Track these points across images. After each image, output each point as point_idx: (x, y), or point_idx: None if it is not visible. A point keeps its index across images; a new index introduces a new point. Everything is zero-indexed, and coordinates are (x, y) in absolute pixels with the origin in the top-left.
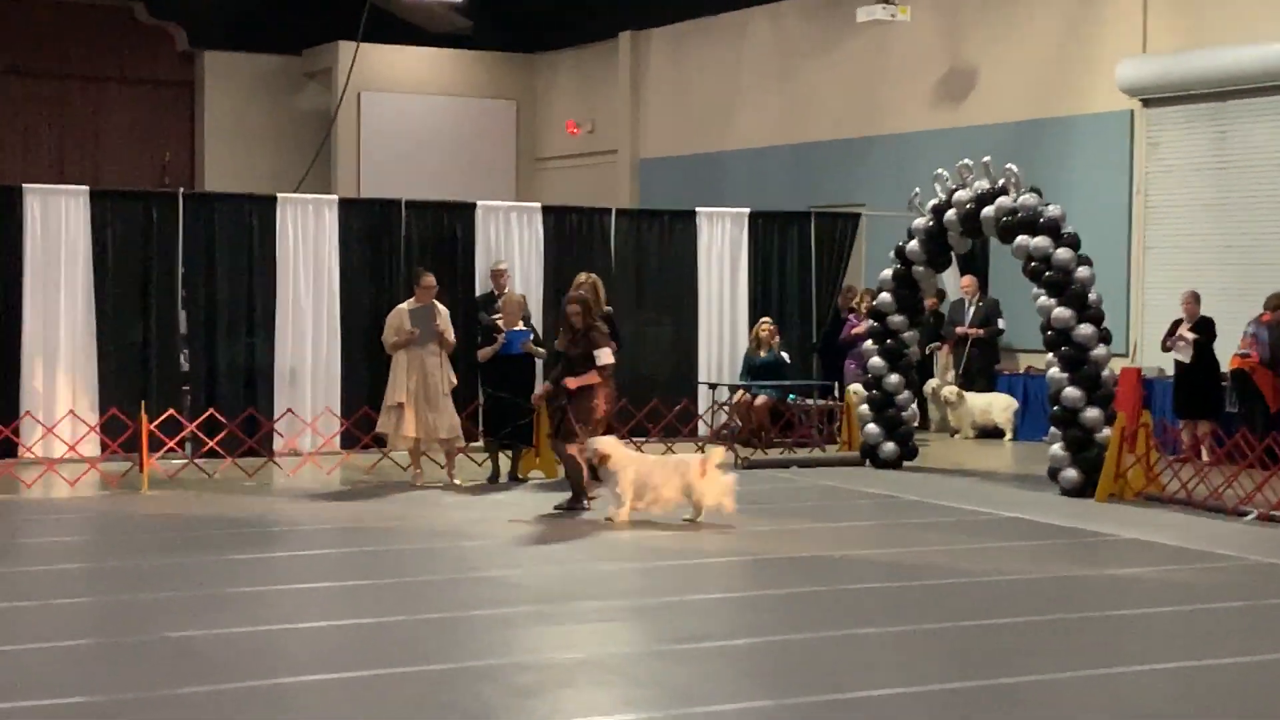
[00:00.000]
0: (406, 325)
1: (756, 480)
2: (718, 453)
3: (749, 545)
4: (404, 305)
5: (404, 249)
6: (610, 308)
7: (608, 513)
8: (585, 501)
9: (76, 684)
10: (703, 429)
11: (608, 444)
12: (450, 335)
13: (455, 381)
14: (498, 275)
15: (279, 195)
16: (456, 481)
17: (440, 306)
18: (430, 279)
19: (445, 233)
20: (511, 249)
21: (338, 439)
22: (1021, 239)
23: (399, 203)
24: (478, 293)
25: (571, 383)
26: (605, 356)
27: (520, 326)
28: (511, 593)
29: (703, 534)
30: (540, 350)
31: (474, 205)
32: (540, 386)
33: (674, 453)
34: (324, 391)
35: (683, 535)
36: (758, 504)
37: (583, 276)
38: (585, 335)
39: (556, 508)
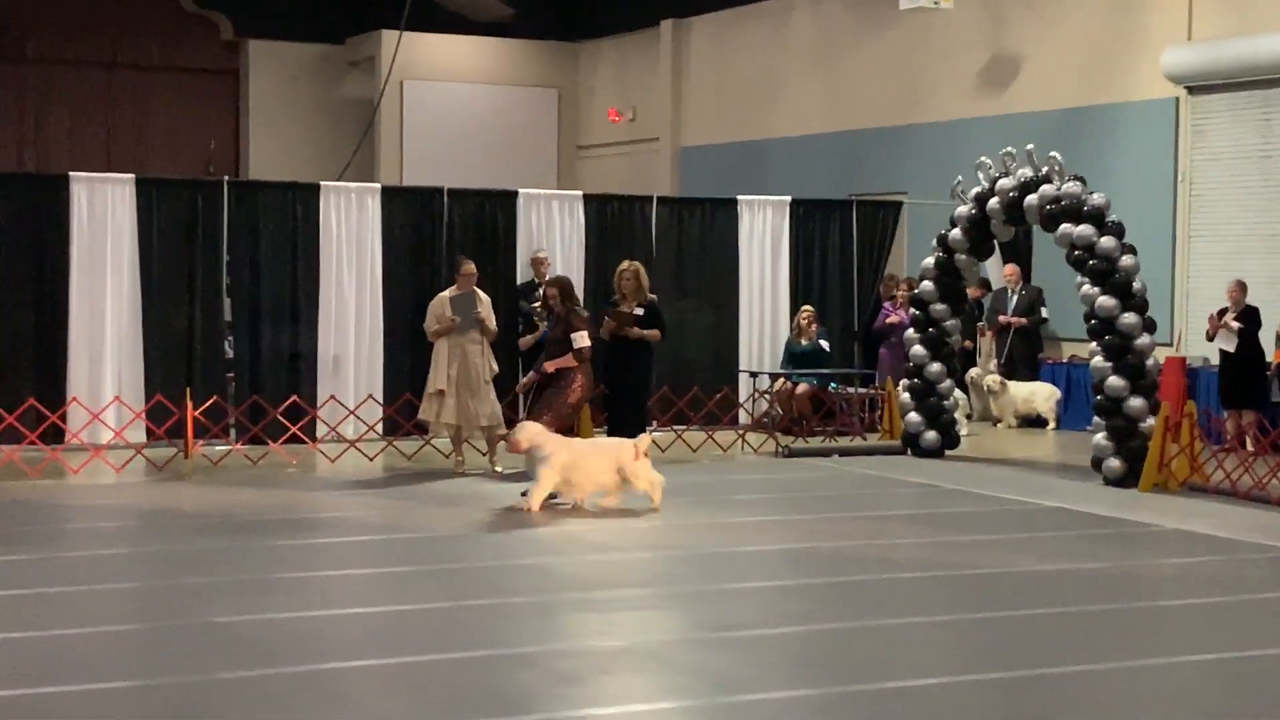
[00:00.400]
0: (448, 313)
1: (797, 468)
2: (645, 439)
3: (790, 535)
4: (445, 293)
5: (446, 237)
6: (654, 295)
7: (520, 501)
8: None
9: (122, 669)
10: (743, 417)
11: (531, 431)
12: (491, 323)
13: (496, 369)
14: (538, 263)
15: (322, 184)
16: (498, 469)
17: (481, 294)
18: (470, 266)
19: (487, 221)
20: (553, 237)
21: (380, 425)
22: (1065, 227)
23: (441, 191)
24: (519, 281)
25: (549, 366)
26: (581, 340)
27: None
28: (551, 580)
29: (743, 524)
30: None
31: (516, 193)
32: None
33: (695, 441)
34: (366, 378)
35: (723, 526)
36: (799, 492)
37: (625, 264)
38: (565, 319)
39: (525, 495)
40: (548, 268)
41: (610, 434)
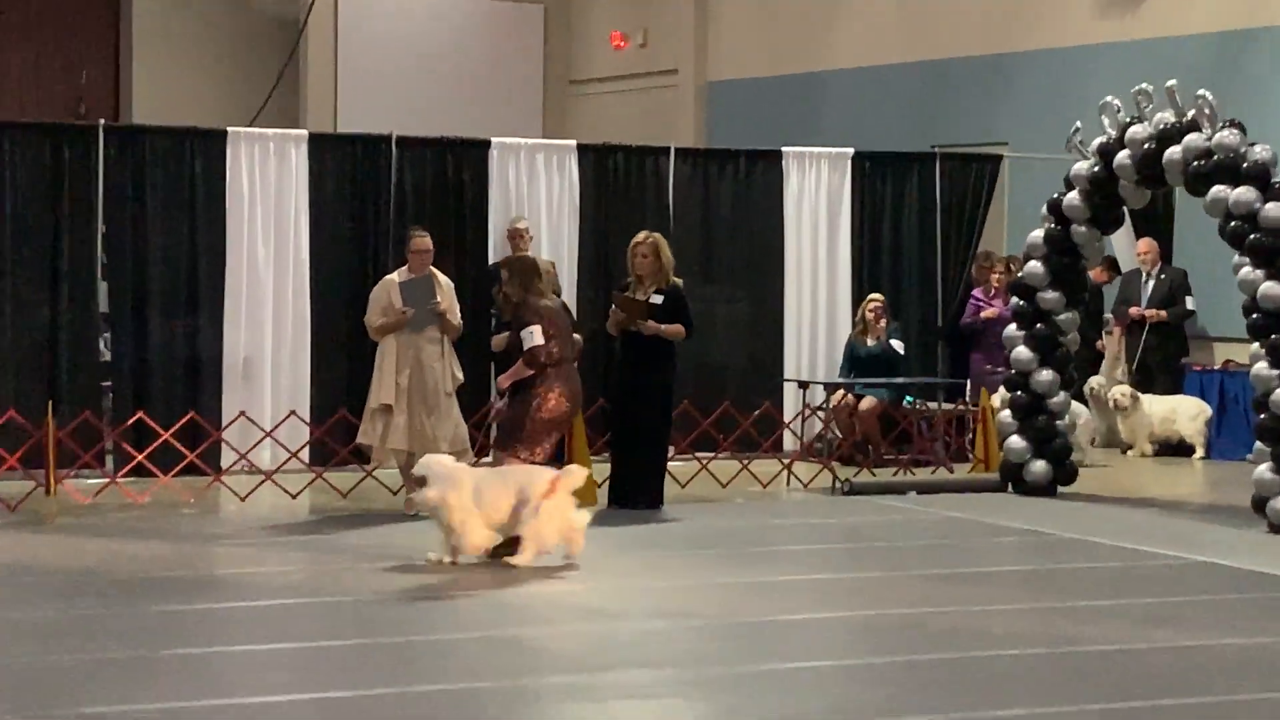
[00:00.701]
0: (397, 303)
1: (861, 510)
2: (577, 474)
3: (850, 599)
4: (393, 276)
5: (394, 201)
6: (679, 280)
7: (430, 554)
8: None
9: None
10: (789, 441)
11: (431, 471)
12: (455, 316)
13: (461, 378)
14: (516, 236)
15: (230, 129)
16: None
17: (442, 278)
18: (426, 241)
19: (449, 180)
20: (536, 201)
21: (306, 452)
22: (1218, 190)
23: (388, 140)
24: (491, 259)
25: (502, 380)
26: (533, 337)
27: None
28: (534, 659)
29: (788, 585)
30: (575, 337)
31: (487, 143)
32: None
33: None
34: (289, 390)
35: (761, 586)
36: (863, 542)
37: (641, 236)
38: (515, 311)
39: (494, 555)
40: (529, 242)
41: (616, 463)
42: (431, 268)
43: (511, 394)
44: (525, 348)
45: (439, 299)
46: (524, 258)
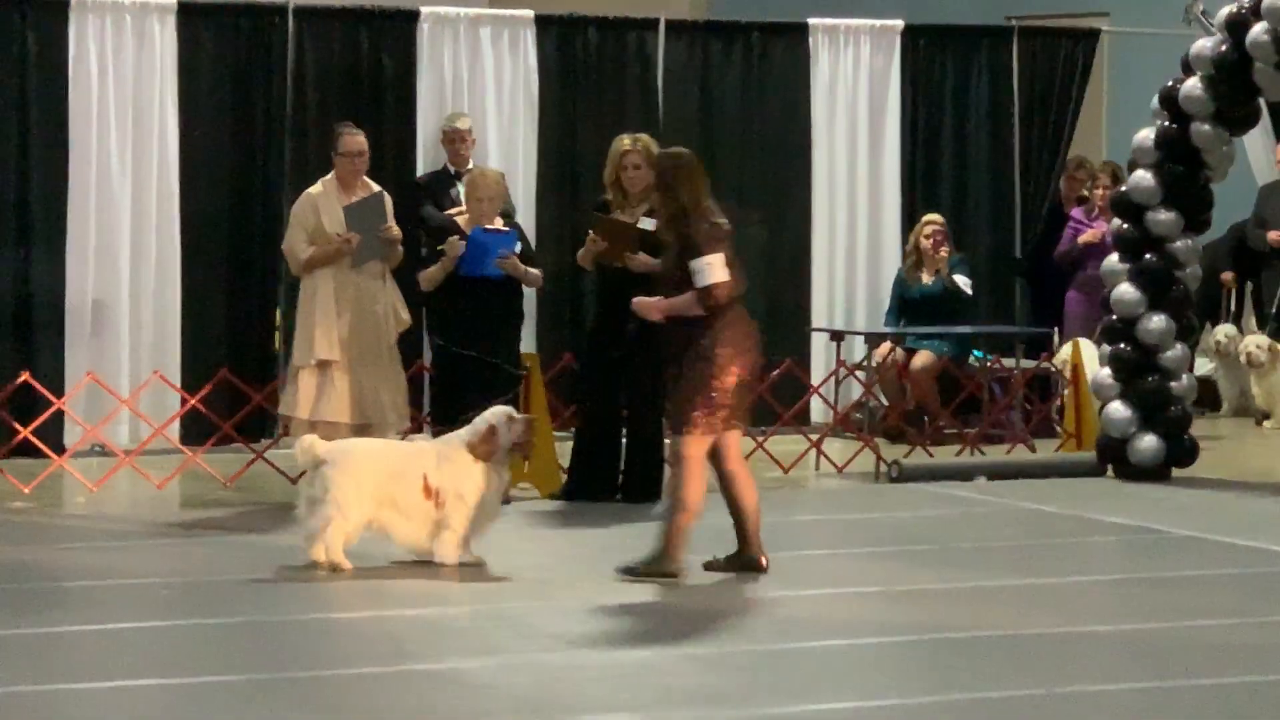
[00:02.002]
0: (331, 226)
1: (914, 501)
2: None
3: (906, 614)
4: (320, 188)
5: (291, 93)
6: None
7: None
8: (666, 555)
9: None
10: (819, 411)
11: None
12: (399, 246)
13: (408, 320)
14: (455, 139)
15: None
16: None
17: (383, 194)
18: (360, 140)
19: (363, 63)
20: (480, 92)
21: (175, 427)
22: None
23: (282, 10)
24: (419, 170)
25: (656, 307)
26: (712, 271)
27: (499, 226)
28: (479, 698)
29: (821, 599)
30: (534, 272)
31: (415, 14)
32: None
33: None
34: (152, 345)
35: (784, 601)
36: (917, 542)
37: (626, 140)
38: (677, 230)
39: (710, 566)
40: (472, 146)
41: (604, 443)
42: (368, 180)
43: (653, 346)
44: (701, 284)
45: (389, 224)
46: (681, 154)
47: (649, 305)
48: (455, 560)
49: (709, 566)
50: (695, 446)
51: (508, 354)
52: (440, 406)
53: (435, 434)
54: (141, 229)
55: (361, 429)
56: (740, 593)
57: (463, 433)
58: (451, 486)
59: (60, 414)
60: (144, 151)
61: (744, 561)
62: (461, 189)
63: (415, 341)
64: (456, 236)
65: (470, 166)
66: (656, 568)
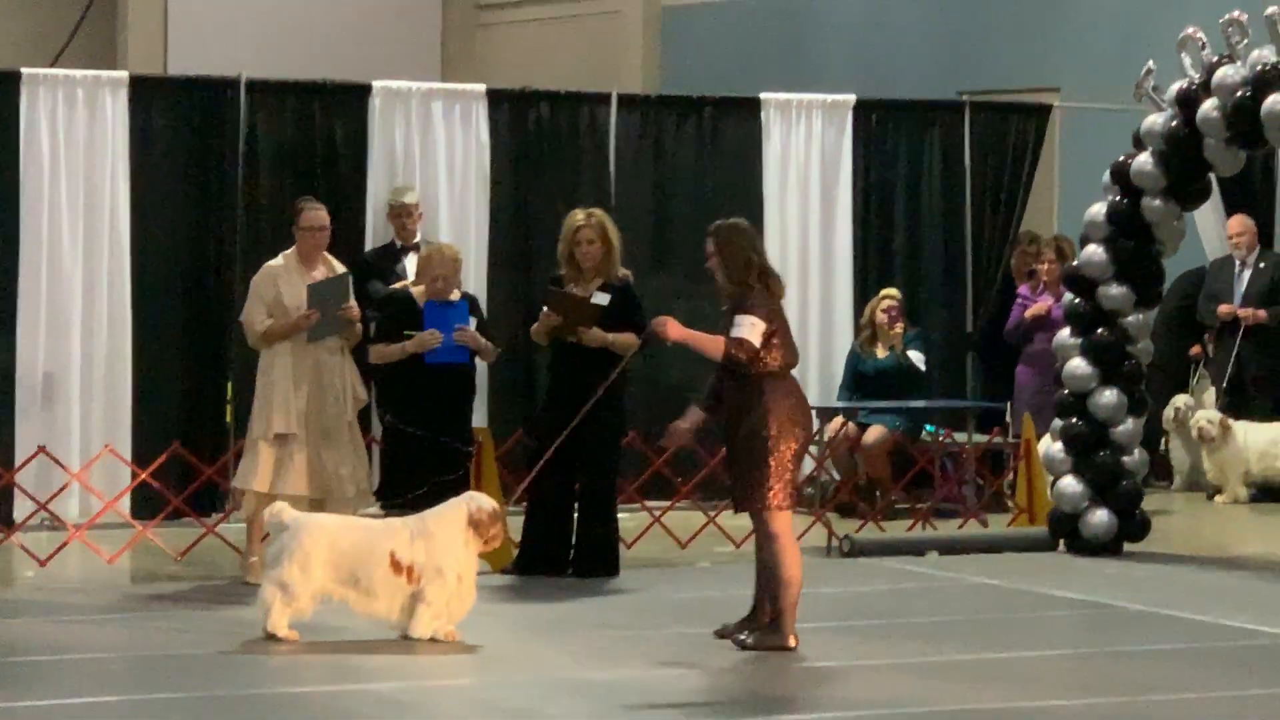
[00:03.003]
0: (292, 302)
1: (866, 576)
2: (461, 510)
3: (860, 689)
4: (279, 262)
5: (243, 165)
6: (628, 272)
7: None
8: (781, 635)
9: None
10: None
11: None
12: (358, 324)
13: (364, 398)
14: (402, 213)
15: (24, 71)
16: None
17: (338, 265)
18: (322, 215)
19: (316, 137)
20: (433, 164)
21: (126, 501)
22: None
23: (234, 84)
24: (369, 242)
25: (676, 330)
26: (747, 329)
27: (455, 297)
28: None
29: (756, 664)
30: (489, 345)
31: (367, 88)
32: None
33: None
34: (104, 418)
35: (725, 666)
36: (869, 618)
37: (580, 216)
38: (734, 293)
39: (720, 633)
40: (419, 222)
41: (557, 520)
42: (330, 257)
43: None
44: (734, 334)
45: (352, 302)
46: (739, 224)
47: (669, 325)
48: (428, 635)
49: (719, 634)
50: (779, 522)
51: (457, 432)
52: (389, 483)
53: (384, 510)
54: (93, 302)
55: (319, 503)
56: (694, 669)
57: (449, 508)
58: (429, 562)
59: (10, 487)
60: (95, 224)
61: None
62: (408, 264)
63: (362, 416)
64: (433, 330)
65: (417, 240)
66: (770, 642)
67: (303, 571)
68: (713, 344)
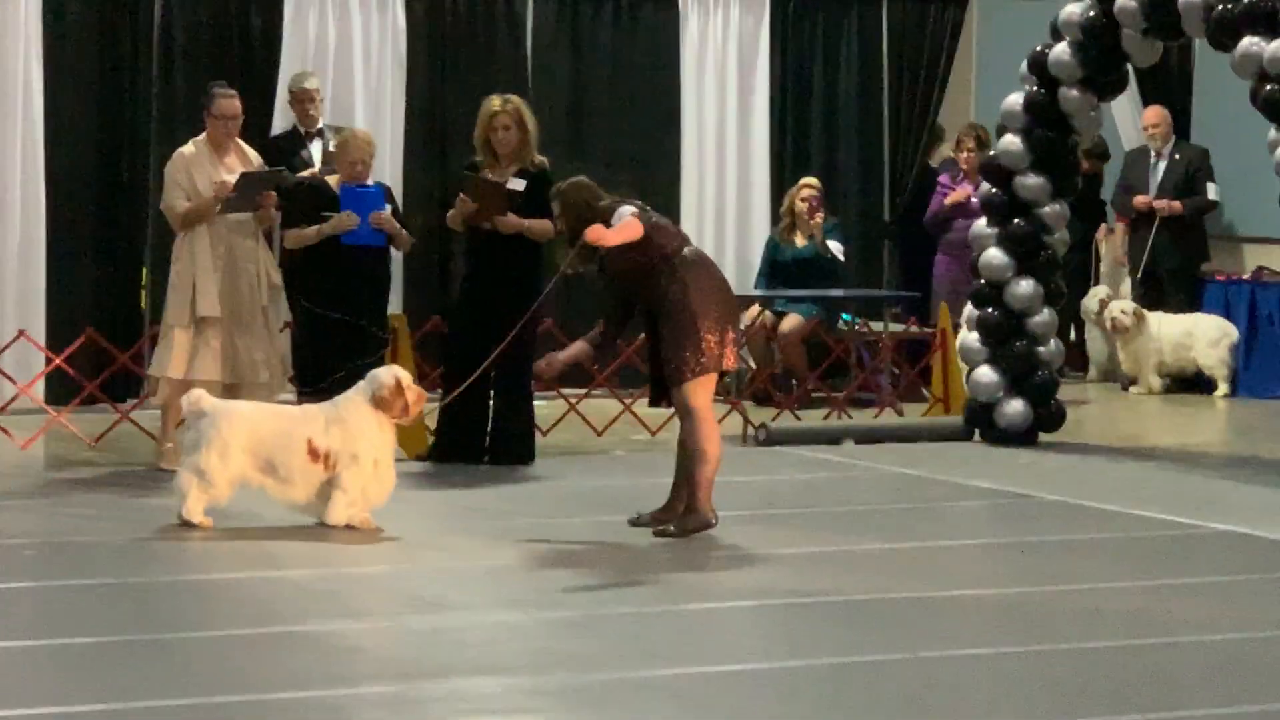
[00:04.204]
0: (210, 188)
1: (781, 465)
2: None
3: (774, 578)
4: (190, 149)
5: (157, 53)
6: (544, 159)
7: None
8: (700, 515)
9: None
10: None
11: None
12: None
13: (279, 282)
14: (304, 99)
15: None
16: (165, 465)
17: (246, 149)
18: (235, 104)
19: (232, 21)
20: (345, 51)
21: (40, 387)
22: (1249, 42)
23: None
24: (274, 128)
25: (603, 233)
26: (625, 216)
27: (369, 184)
28: (350, 663)
29: (678, 554)
30: (404, 234)
31: None
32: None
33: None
34: (16, 304)
35: (642, 557)
36: (786, 507)
37: (496, 101)
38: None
39: (634, 522)
40: (320, 105)
41: (472, 405)
42: (241, 143)
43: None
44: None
45: (273, 194)
46: (575, 185)
47: (601, 233)
48: (343, 522)
49: (634, 523)
50: (697, 394)
51: (374, 317)
52: (305, 369)
53: (300, 397)
54: (5, 187)
55: (233, 389)
56: (607, 555)
57: (355, 392)
58: (344, 448)
59: None
60: (8, 110)
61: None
62: (314, 150)
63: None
64: (349, 212)
65: (320, 126)
66: (692, 524)
67: (221, 459)
68: (628, 226)
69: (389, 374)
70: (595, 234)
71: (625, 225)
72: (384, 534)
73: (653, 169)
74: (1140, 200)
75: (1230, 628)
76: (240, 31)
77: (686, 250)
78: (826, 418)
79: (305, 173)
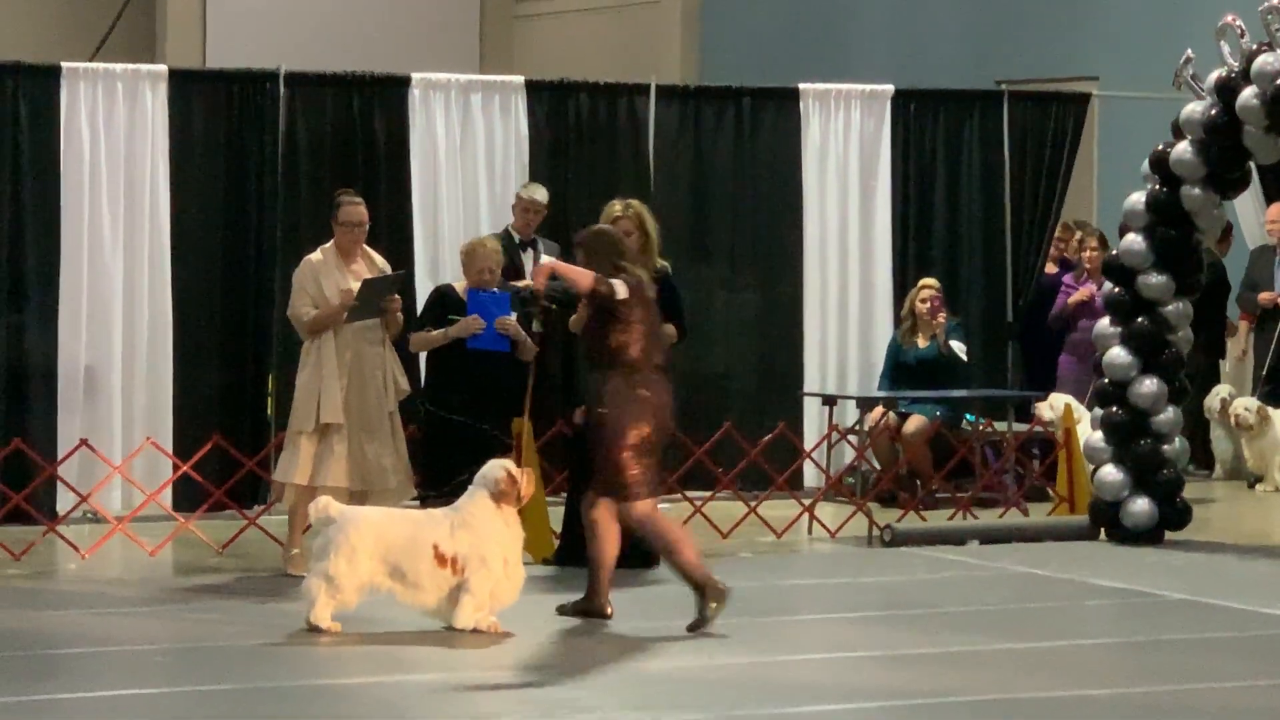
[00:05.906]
0: (331, 294)
1: (909, 564)
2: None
3: (902, 678)
4: (318, 256)
5: (282, 159)
6: (666, 263)
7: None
8: (607, 606)
9: None
10: (812, 475)
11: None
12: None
13: (407, 388)
14: (529, 208)
15: (64, 65)
16: (293, 571)
17: (377, 258)
18: (361, 210)
19: (355, 129)
20: (473, 157)
21: (168, 494)
22: None
23: (274, 77)
24: (416, 237)
25: (551, 265)
26: (618, 288)
27: (495, 290)
28: None
29: (813, 664)
30: (528, 341)
31: (406, 80)
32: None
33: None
34: (145, 411)
35: (777, 665)
36: (912, 607)
37: (618, 206)
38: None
39: (561, 610)
40: (541, 217)
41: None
42: (369, 249)
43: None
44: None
45: (397, 297)
46: (601, 232)
47: (566, 268)
48: (471, 626)
49: (561, 611)
50: (634, 508)
51: (497, 421)
52: (428, 473)
53: (423, 501)
54: (134, 294)
55: (360, 495)
56: (735, 658)
57: (476, 492)
58: (473, 552)
59: (53, 480)
60: (136, 217)
61: (592, 608)
62: (526, 259)
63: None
64: (475, 316)
65: (533, 237)
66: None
67: (349, 564)
68: (578, 274)
69: (497, 467)
70: (561, 266)
71: (583, 272)
72: (511, 637)
73: (775, 270)
74: (1266, 297)
75: None
76: (365, 138)
77: (641, 372)
78: (951, 518)
79: (520, 283)
